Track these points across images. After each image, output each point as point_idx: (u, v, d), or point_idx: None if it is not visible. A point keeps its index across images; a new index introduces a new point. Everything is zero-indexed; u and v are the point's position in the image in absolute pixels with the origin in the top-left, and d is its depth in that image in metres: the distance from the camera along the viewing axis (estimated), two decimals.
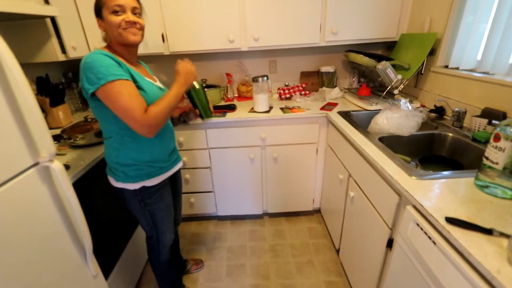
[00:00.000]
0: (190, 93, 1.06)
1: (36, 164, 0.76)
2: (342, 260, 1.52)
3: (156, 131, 0.90)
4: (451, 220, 0.64)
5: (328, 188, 1.73)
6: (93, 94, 0.84)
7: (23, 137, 0.72)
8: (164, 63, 2.03)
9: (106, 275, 1.17)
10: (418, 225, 0.73)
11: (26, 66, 1.01)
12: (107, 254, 1.23)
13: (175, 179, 1.23)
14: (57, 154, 1.10)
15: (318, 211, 2.00)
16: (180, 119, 1.23)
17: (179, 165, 1.20)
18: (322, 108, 1.68)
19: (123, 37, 0.90)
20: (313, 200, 1.91)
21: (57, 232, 0.84)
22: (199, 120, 1.22)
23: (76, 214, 0.86)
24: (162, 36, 1.67)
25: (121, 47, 0.94)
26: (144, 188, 1.02)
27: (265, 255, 1.68)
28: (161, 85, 1.07)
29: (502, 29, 1.10)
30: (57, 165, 0.77)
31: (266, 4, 1.61)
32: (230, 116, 1.63)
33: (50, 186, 0.81)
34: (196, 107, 1.12)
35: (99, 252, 1.06)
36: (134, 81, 0.89)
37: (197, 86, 1.06)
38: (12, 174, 0.69)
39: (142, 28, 0.95)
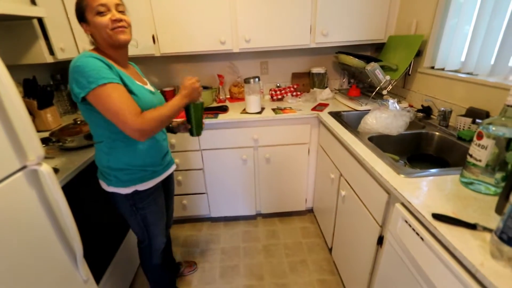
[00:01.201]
0: (188, 107, 1.05)
1: (24, 167, 0.75)
2: (334, 258, 1.54)
3: (148, 135, 0.87)
4: (437, 216, 0.66)
5: (320, 188, 1.75)
6: (83, 99, 0.82)
7: (9, 139, 0.70)
8: (154, 65, 2.01)
9: (98, 279, 1.16)
10: (406, 222, 0.75)
11: (13, 68, 0.99)
12: (98, 258, 1.21)
13: (167, 181, 1.21)
14: (46, 157, 1.08)
15: (310, 211, 2.02)
16: (169, 126, 1.21)
17: (172, 168, 1.19)
18: (313, 109, 1.70)
19: (113, 38, 0.87)
20: (306, 200, 1.93)
21: (46, 236, 0.82)
22: (186, 134, 1.17)
23: (66, 218, 0.85)
24: (153, 37, 1.66)
25: (111, 49, 0.91)
26: (136, 192, 1.00)
27: (258, 256, 1.69)
28: (152, 88, 1.04)
29: (484, 31, 1.14)
30: (45, 168, 0.76)
31: (257, 5, 1.62)
32: (222, 117, 1.63)
33: (39, 190, 0.79)
34: (189, 121, 1.10)
35: (90, 256, 1.04)
36: (125, 84, 0.87)
37: (197, 102, 1.06)
38: None
39: (129, 25, 0.92)
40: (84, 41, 1.05)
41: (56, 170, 1.03)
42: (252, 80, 1.60)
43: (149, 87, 1.03)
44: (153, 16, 1.61)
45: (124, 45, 0.92)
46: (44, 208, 0.81)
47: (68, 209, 0.84)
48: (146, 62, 1.98)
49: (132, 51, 1.66)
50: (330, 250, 1.60)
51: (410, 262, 0.76)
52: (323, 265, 1.59)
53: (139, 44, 1.66)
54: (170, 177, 1.23)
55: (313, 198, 1.92)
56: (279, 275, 1.55)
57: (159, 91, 1.14)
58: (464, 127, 1.15)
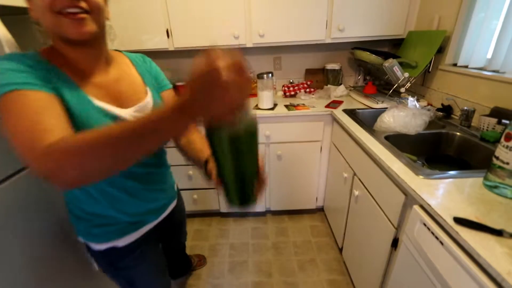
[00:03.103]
0: (213, 140, 0.44)
1: None
2: (345, 258, 1.51)
3: (62, 178, 0.43)
4: (459, 221, 0.63)
5: (332, 187, 1.72)
6: None
7: None
8: (168, 60, 2.02)
9: None
10: (425, 225, 0.72)
11: None
12: None
13: (169, 215, 0.90)
14: None
15: (321, 210, 1.99)
16: (204, 169, 0.65)
17: (172, 206, 0.90)
18: (327, 106, 1.66)
19: (58, 28, 0.54)
20: (317, 198, 1.90)
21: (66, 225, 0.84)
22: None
23: None
24: (167, 31, 1.66)
25: (64, 44, 0.58)
26: (113, 249, 0.73)
27: (267, 253, 1.68)
28: (139, 113, 0.65)
29: None
30: None
31: (272, 0, 1.59)
32: None
33: None
34: (221, 174, 0.50)
35: None
36: (63, 99, 0.54)
37: (239, 130, 0.42)
38: None
39: (96, 10, 0.56)
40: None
41: None
42: (265, 75, 1.58)
43: (130, 110, 0.64)
44: (168, 9, 1.61)
45: (80, 41, 0.57)
46: None
47: None
48: (160, 57, 1.98)
49: (144, 46, 1.69)
50: (341, 250, 1.57)
51: (427, 266, 0.73)
52: (333, 265, 1.56)
53: (153, 39, 1.66)
54: (173, 212, 0.92)
55: (324, 196, 1.89)
56: (288, 273, 1.53)
57: (170, 87, 0.80)
58: (488, 127, 1.09)
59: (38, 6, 0.53)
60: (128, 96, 0.66)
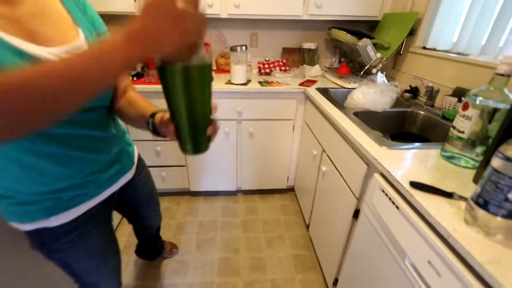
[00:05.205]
0: (165, 77, 0.43)
1: None
2: (311, 235, 1.55)
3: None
4: (415, 184, 0.64)
5: (302, 165, 1.73)
6: None
7: None
8: None
9: None
10: (383, 191, 0.73)
11: None
12: None
13: (125, 188, 0.79)
14: None
15: (292, 190, 2.02)
16: (149, 125, 0.60)
17: (127, 177, 0.77)
18: (301, 84, 1.64)
19: None
20: (288, 178, 1.91)
21: None
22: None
23: None
24: None
25: None
26: (43, 229, 0.62)
27: (236, 230, 1.67)
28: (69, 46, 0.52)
29: (479, 10, 1.10)
30: None
31: None
32: None
33: None
34: (174, 118, 0.49)
35: None
36: None
37: (192, 64, 0.42)
38: None
39: None
40: None
41: None
42: (239, 48, 1.51)
43: (54, 50, 0.49)
44: None
45: None
46: None
47: None
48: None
49: (108, 7, 1.53)
50: (308, 227, 1.60)
51: (383, 231, 0.74)
52: (299, 241, 1.60)
53: (118, 2, 1.52)
54: (130, 185, 0.81)
55: (295, 176, 1.91)
56: (255, 249, 1.54)
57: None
58: (449, 107, 1.13)
59: None
60: (48, 35, 0.50)
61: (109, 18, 0.75)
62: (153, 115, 0.60)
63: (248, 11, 1.61)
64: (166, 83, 0.44)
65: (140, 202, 0.92)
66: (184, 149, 0.52)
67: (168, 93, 0.45)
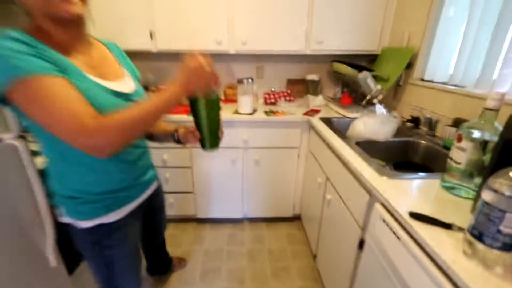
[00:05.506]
0: (195, 104, 0.74)
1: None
2: (318, 265, 1.51)
3: (107, 151, 0.60)
4: (414, 215, 0.65)
5: (308, 193, 1.74)
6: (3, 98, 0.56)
7: None
8: (150, 62, 2.02)
9: (71, 270, 1.11)
10: (384, 221, 0.74)
11: None
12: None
13: (151, 199, 0.96)
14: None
15: (298, 218, 2.00)
16: (175, 137, 0.88)
17: (154, 186, 0.96)
18: (305, 114, 1.71)
19: (53, 7, 0.57)
20: (294, 206, 1.91)
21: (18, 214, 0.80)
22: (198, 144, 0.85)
23: (37, 194, 0.83)
24: (150, 33, 1.68)
25: (53, 24, 0.61)
26: (101, 225, 0.76)
27: (242, 260, 1.65)
28: (124, 87, 0.74)
29: (471, 45, 1.17)
30: (20, 143, 0.75)
31: (254, 9, 1.65)
32: None
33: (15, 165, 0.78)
34: (199, 128, 0.79)
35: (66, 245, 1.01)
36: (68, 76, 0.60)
37: (209, 98, 0.74)
38: None
39: None
40: None
41: (36, 153, 1.01)
42: (245, 80, 1.61)
43: (117, 84, 0.72)
44: (153, 10, 1.63)
45: (71, 21, 0.62)
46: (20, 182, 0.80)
47: (39, 186, 0.82)
48: (141, 58, 1.99)
49: (126, 45, 1.68)
50: (315, 257, 1.57)
51: (387, 263, 0.74)
52: (306, 272, 1.55)
53: (135, 39, 1.67)
54: (155, 194, 0.99)
55: (301, 204, 1.90)
56: (261, 280, 1.51)
57: (144, 89, 0.87)
58: (449, 136, 1.16)
59: None
60: (109, 74, 0.73)
61: (128, 54, 0.92)
62: (175, 132, 0.87)
63: (254, 47, 1.74)
64: (195, 108, 0.75)
65: (157, 207, 1.06)
66: (204, 146, 0.82)
67: (195, 113, 0.76)
